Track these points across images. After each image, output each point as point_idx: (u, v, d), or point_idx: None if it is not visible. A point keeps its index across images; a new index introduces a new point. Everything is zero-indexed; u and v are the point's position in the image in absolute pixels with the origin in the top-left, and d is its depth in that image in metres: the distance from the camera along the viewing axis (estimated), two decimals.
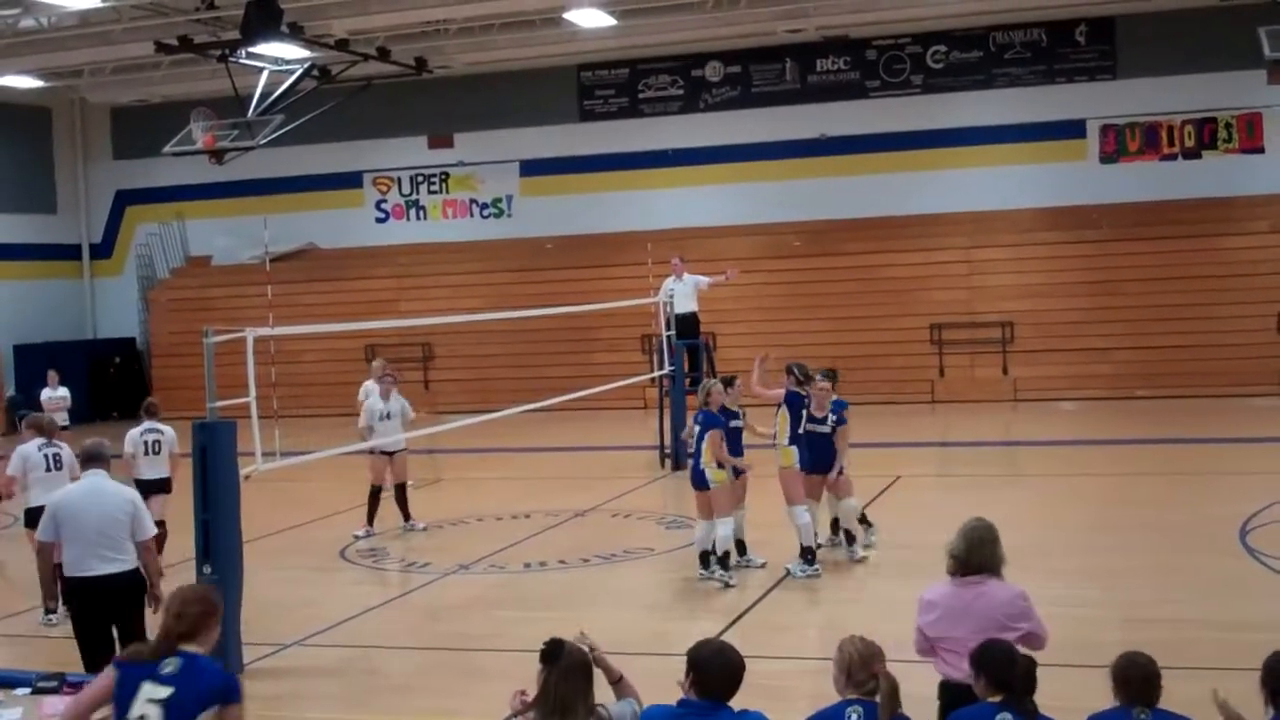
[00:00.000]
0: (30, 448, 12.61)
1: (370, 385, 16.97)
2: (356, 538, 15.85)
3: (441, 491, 19.94)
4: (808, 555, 12.90)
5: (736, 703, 5.28)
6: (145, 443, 14.10)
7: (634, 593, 13.16)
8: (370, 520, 15.94)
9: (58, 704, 7.00)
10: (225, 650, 10.33)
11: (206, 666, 5.73)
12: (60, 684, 7.19)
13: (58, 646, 11.57)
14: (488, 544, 15.45)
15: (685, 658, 5.38)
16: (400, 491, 16.21)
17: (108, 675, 5.77)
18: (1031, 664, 5.61)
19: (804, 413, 13.12)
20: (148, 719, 5.55)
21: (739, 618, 11.53)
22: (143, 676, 5.61)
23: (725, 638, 10.21)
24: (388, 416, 15.96)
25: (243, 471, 10.83)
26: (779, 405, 13.19)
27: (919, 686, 6.12)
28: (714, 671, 5.29)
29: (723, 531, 12.79)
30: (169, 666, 5.62)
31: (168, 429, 14.20)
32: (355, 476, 17.56)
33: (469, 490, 17.44)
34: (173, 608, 5.85)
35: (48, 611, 11.66)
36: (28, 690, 7.20)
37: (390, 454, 15.98)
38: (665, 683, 5.31)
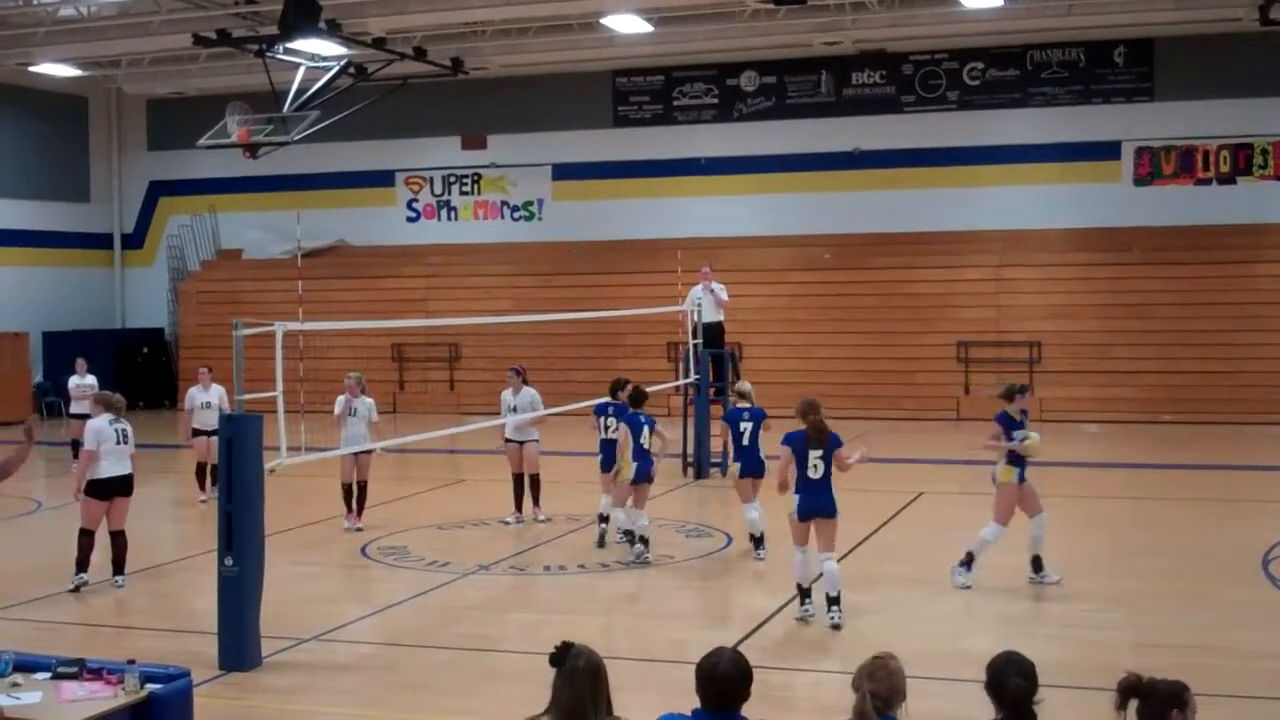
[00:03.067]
0: (101, 421, 13.19)
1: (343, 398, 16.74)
2: (506, 523, 16.68)
3: (464, 492, 19.99)
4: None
5: (751, 713, 5.26)
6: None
7: (654, 599, 13.17)
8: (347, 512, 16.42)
9: (77, 689, 7.05)
10: (244, 642, 10.41)
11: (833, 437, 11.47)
12: (80, 669, 7.24)
13: (79, 632, 11.66)
14: (508, 546, 15.49)
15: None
16: (361, 491, 16.58)
17: (785, 452, 11.52)
18: (1020, 691, 5.42)
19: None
20: (818, 468, 11.35)
21: (758, 627, 11.52)
22: (807, 447, 11.42)
23: (743, 647, 10.24)
24: (353, 413, 16.49)
25: (268, 465, 10.88)
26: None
27: (926, 703, 6.09)
28: (704, 685, 5.26)
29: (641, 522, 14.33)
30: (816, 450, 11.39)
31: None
32: (378, 474, 17.62)
33: (491, 491, 17.46)
34: (811, 414, 11.50)
35: None
36: (48, 675, 7.25)
37: (355, 454, 16.26)
38: (683, 690, 5.30)
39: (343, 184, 34.10)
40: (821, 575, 11.53)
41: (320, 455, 13.22)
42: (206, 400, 18.80)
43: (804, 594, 11.72)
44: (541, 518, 16.78)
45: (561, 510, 17.09)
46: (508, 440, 16.81)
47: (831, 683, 9.50)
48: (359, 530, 16.26)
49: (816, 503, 11.50)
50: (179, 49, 28.41)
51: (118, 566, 13.35)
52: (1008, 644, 5.63)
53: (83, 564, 13.05)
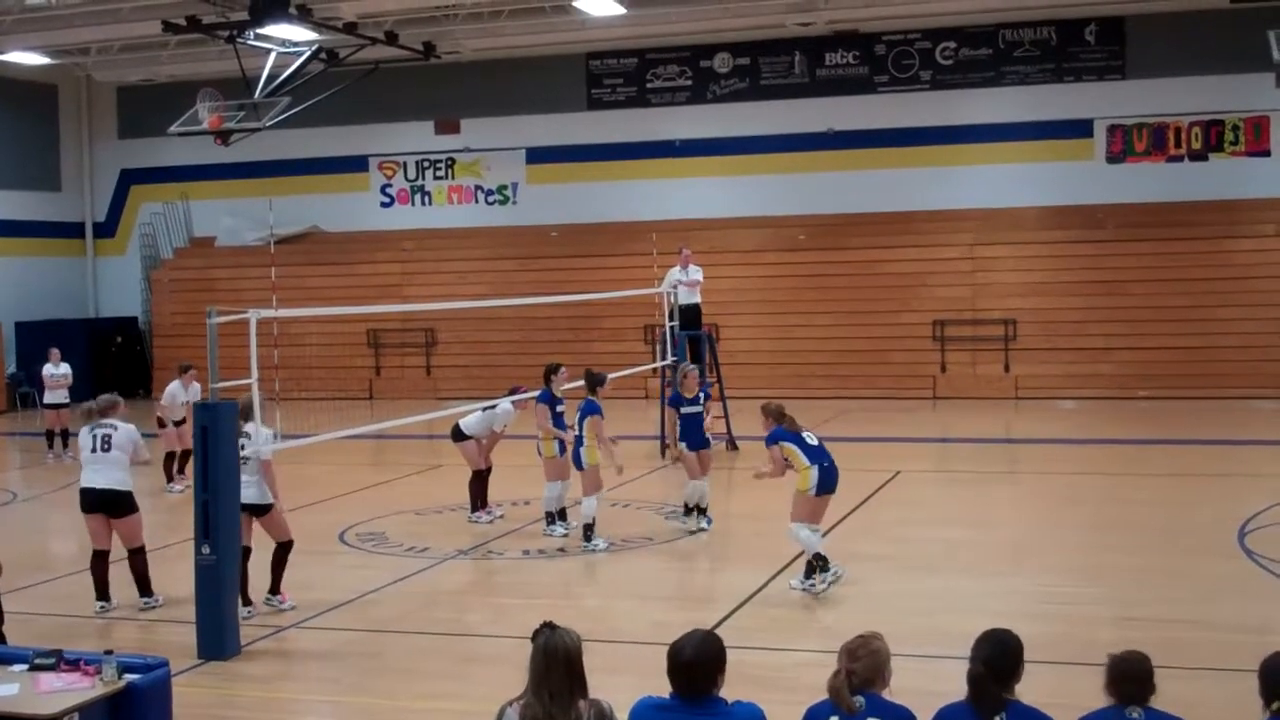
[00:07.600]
0: (82, 430, 12.01)
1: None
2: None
3: (442, 477, 19.94)
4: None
5: (732, 693, 5.26)
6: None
7: (632, 582, 13.18)
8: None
9: (54, 681, 7.01)
10: (223, 631, 10.39)
11: None
12: (57, 661, 7.20)
13: (56, 623, 11.60)
14: (487, 531, 15.46)
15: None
16: (276, 562, 11.89)
17: (779, 449, 11.86)
18: (974, 674, 5.42)
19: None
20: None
21: (739, 607, 11.53)
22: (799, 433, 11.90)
23: (724, 627, 10.26)
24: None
25: (243, 453, 10.83)
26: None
27: (903, 680, 6.07)
28: (671, 670, 5.24)
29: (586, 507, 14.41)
30: None
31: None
32: (355, 460, 17.57)
33: (469, 476, 17.42)
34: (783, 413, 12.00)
35: None
36: (25, 667, 7.21)
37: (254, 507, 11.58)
38: (663, 672, 5.29)
39: (315, 170, 33.93)
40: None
41: (295, 443, 13.18)
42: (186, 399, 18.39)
43: (823, 564, 11.97)
44: (499, 513, 16.26)
45: (539, 494, 17.03)
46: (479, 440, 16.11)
47: (813, 662, 9.51)
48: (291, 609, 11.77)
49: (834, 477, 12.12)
50: (149, 36, 28.17)
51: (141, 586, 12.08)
52: (985, 621, 5.65)
53: (99, 590, 11.97)
